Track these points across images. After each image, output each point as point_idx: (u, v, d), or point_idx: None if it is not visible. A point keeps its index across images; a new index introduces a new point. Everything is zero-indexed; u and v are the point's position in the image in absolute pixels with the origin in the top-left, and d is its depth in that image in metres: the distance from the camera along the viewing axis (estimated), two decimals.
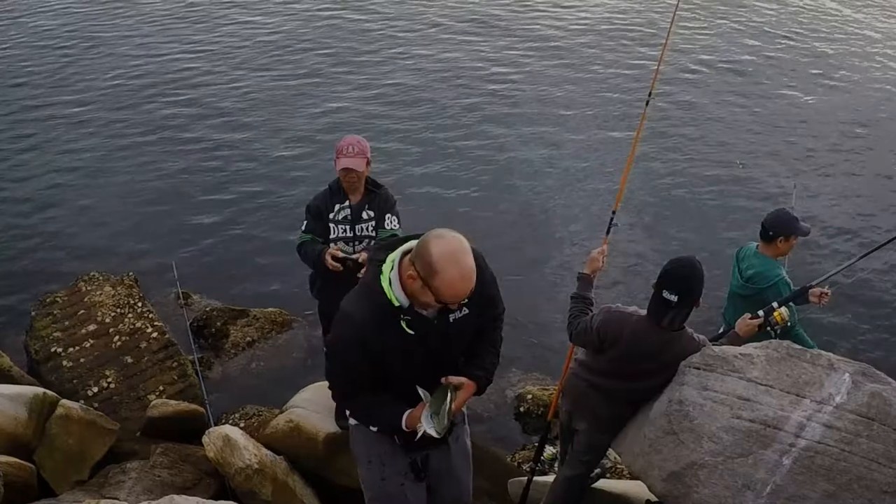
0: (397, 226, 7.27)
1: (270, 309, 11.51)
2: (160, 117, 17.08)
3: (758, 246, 7.68)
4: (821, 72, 20.80)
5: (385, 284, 4.46)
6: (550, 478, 7.24)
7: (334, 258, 6.89)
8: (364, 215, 7.26)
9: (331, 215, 7.24)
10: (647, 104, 8.15)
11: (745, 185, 15.50)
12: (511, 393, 10.50)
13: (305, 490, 7.73)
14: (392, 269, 4.48)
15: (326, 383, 8.22)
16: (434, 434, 4.59)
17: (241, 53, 20.32)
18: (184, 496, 6.63)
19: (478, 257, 4.50)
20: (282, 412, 8.28)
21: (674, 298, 5.55)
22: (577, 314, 6.24)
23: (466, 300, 4.54)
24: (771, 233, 7.49)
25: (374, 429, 5.01)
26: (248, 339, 10.99)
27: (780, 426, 5.11)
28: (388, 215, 7.28)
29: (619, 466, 8.35)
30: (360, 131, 13.11)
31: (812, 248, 12.62)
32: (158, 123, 16.84)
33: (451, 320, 4.67)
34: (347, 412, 5.17)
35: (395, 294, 4.46)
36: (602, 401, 6.06)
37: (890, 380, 5.31)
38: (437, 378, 4.75)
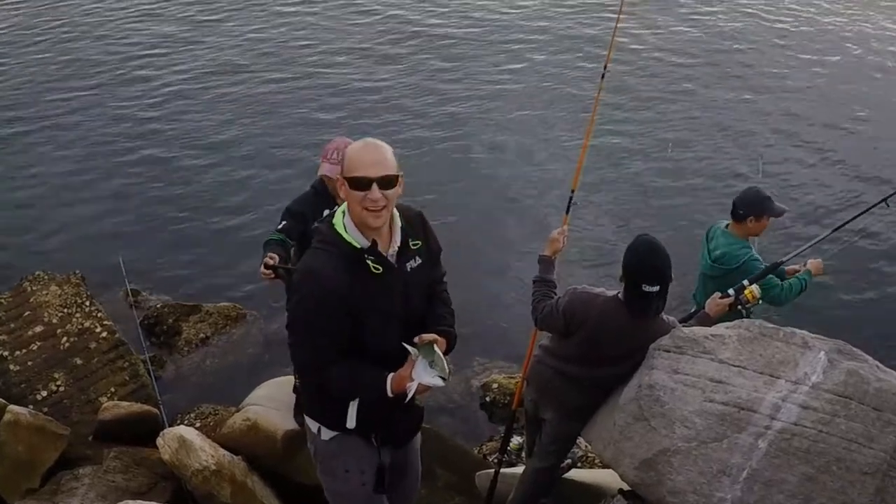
0: None
1: (224, 303, 11.40)
2: (107, 116, 16.89)
3: (728, 224, 7.59)
4: (784, 42, 20.92)
5: (341, 231, 4.48)
6: (518, 469, 7.18)
7: (267, 266, 6.42)
8: None
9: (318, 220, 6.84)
10: (602, 79, 8.07)
11: (709, 158, 15.59)
12: (476, 382, 10.44)
13: (265, 490, 7.65)
14: (343, 216, 4.53)
15: (284, 379, 8.21)
16: (440, 382, 4.48)
17: (193, 55, 20.06)
18: (139, 501, 6.56)
19: (421, 214, 4.82)
20: (238, 410, 8.19)
21: (655, 289, 5.49)
22: (540, 298, 6.15)
23: (418, 245, 4.72)
24: (741, 211, 7.37)
25: (351, 417, 4.85)
26: (202, 335, 10.87)
27: (755, 408, 5.05)
28: None
29: (590, 455, 8.31)
30: (307, 121, 13.04)
31: (782, 223, 12.67)
32: (105, 122, 16.66)
33: (408, 269, 4.68)
34: (316, 402, 4.99)
35: (354, 237, 4.47)
36: (569, 388, 5.98)
37: (867, 356, 5.27)
38: (406, 340, 4.66)
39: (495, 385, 10.17)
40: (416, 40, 20.61)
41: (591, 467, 8.24)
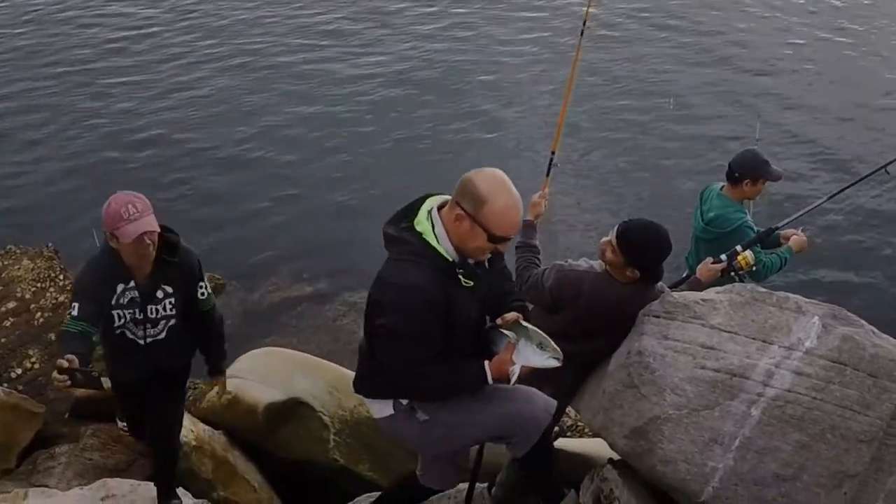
0: (209, 291, 6.21)
1: None
2: (77, 86, 16.80)
3: (723, 187, 7.53)
4: None
5: (433, 242, 4.41)
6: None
7: (61, 370, 5.05)
8: (159, 293, 5.83)
9: (112, 300, 5.68)
10: (581, 35, 7.96)
11: (701, 116, 15.56)
12: None
13: (247, 465, 7.66)
14: (433, 227, 4.45)
15: (264, 350, 8.18)
16: (555, 363, 4.54)
17: (172, 39, 19.80)
18: (117, 479, 6.55)
19: None
20: None
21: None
22: (525, 265, 6.11)
23: None
24: (737, 174, 7.30)
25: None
26: None
27: (747, 375, 5.03)
28: (199, 284, 6.08)
29: (578, 424, 8.28)
30: (285, 103, 12.89)
31: (777, 187, 12.66)
32: (76, 91, 16.57)
33: (486, 266, 4.71)
34: (416, 398, 4.90)
35: (446, 249, 4.42)
36: (563, 366, 5.93)
37: (862, 321, 5.25)
38: (480, 329, 4.81)
39: None
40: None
41: (580, 436, 8.23)
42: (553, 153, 7.18)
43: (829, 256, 11.79)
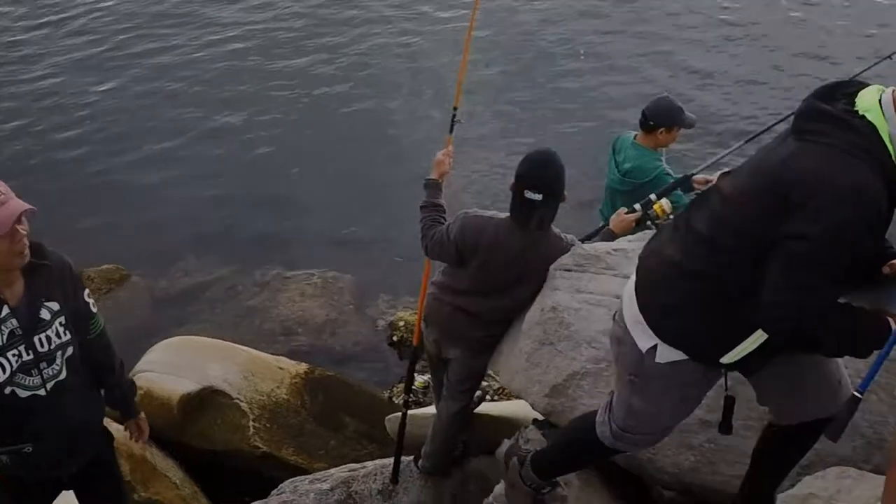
0: (95, 307, 4.64)
1: (105, 266, 11.18)
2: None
3: (636, 135, 7.53)
4: None
5: (886, 138, 3.40)
6: (427, 409, 7.14)
7: None
8: (43, 313, 4.23)
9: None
10: None
11: (605, 62, 15.51)
12: (382, 322, 10.42)
13: (166, 462, 7.57)
14: (887, 117, 3.41)
15: (176, 340, 8.11)
16: None
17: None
18: None
19: None
20: None
21: (538, 197, 5.39)
22: (429, 224, 6.03)
23: None
24: (651, 122, 7.30)
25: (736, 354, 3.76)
26: None
27: None
28: (85, 293, 4.57)
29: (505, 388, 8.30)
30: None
31: (693, 132, 12.76)
32: None
33: None
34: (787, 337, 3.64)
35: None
36: (471, 323, 5.89)
37: None
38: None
39: (402, 323, 10.16)
40: None
41: (507, 399, 8.25)
42: (455, 109, 7.10)
43: None
